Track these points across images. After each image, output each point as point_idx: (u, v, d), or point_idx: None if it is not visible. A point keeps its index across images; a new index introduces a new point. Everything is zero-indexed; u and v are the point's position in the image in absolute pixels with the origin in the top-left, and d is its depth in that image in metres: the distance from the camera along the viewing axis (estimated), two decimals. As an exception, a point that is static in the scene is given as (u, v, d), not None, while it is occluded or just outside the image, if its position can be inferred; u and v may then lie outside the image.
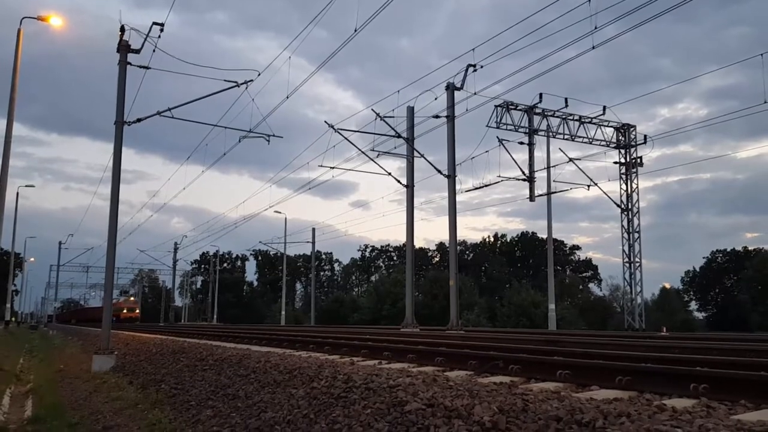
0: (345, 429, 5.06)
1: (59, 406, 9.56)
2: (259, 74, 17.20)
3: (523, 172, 28.66)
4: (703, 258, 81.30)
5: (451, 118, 24.46)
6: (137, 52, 15.61)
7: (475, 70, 22.55)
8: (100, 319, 15.98)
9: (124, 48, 15.59)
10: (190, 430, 6.77)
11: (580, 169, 29.80)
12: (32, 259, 78.04)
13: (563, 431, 3.78)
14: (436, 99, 23.98)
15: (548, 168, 29.66)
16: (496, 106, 28.37)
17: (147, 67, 15.87)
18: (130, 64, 15.65)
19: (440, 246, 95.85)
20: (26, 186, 60.16)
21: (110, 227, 15.37)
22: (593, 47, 17.33)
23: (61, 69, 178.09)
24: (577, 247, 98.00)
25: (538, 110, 29.89)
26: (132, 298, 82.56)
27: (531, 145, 29.42)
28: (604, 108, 30.84)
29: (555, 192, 30.04)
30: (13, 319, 68.46)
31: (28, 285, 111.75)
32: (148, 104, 17.75)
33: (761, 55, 20.45)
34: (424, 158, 25.69)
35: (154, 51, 15.39)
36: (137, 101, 16.77)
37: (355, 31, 16.92)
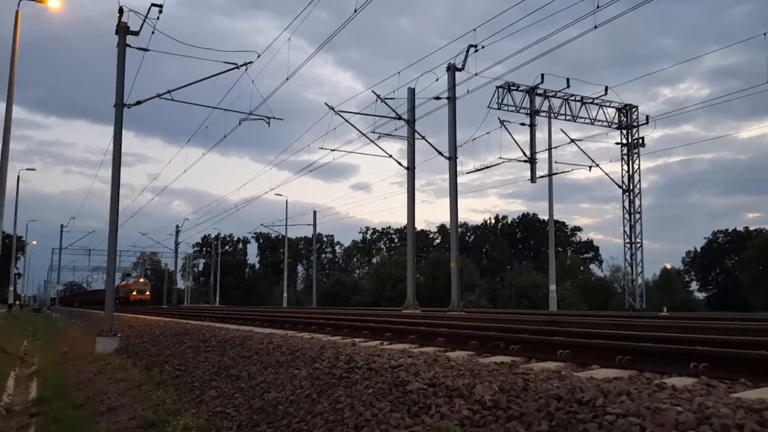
0: (347, 408, 5.11)
1: (64, 388, 9.65)
2: (258, 56, 17.10)
3: (525, 154, 28.58)
4: (704, 238, 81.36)
5: (452, 99, 24.34)
6: (136, 34, 15.51)
7: (476, 51, 22.39)
8: (104, 302, 16.01)
9: (122, 30, 15.49)
10: (194, 410, 6.83)
11: (581, 150, 29.78)
12: (34, 242, 78.27)
13: (563, 410, 3.81)
14: (437, 80, 23.86)
15: (549, 149, 29.60)
16: (497, 87, 28.20)
17: (146, 49, 15.78)
18: (129, 46, 15.56)
19: (441, 228, 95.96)
20: (27, 169, 60.12)
21: (111, 210, 15.39)
22: (595, 27, 17.21)
23: (59, 51, 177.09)
24: (578, 229, 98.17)
25: (539, 91, 29.71)
26: (142, 279, 75.75)
27: (532, 126, 29.29)
28: (606, 88, 30.68)
29: (556, 173, 30.02)
30: (17, 302, 68.77)
31: (31, 268, 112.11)
32: (148, 86, 17.68)
33: (764, 34, 20.28)
34: (425, 140, 25.63)
35: (153, 33, 15.30)
36: (136, 83, 16.69)
37: (355, 11, 16.78)
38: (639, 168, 33.75)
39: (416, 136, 25.99)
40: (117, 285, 72.51)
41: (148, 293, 70.40)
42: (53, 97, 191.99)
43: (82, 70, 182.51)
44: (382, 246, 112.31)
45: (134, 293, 67.44)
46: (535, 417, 3.87)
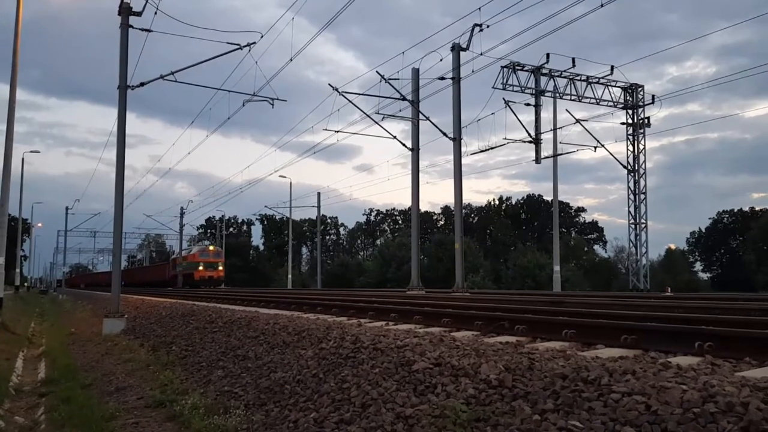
0: (354, 387, 5.15)
1: (72, 369, 9.74)
2: (261, 36, 17.00)
3: (530, 134, 28.42)
4: (709, 219, 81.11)
5: (456, 79, 24.18)
6: (139, 14, 15.42)
7: (481, 30, 22.18)
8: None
9: (125, 11, 15.41)
10: (202, 390, 6.90)
11: (586, 130, 29.54)
12: (40, 224, 78.44)
13: (569, 388, 3.83)
14: (441, 60, 23.69)
15: (555, 129, 29.43)
16: (502, 67, 27.96)
17: (149, 30, 15.70)
18: (131, 27, 15.48)
19: (445, 209, 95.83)
20: (31, 152, 60.19)
21: (117, 192, 15.43)
22: (602, 5, 17.01)
23: (59, 31, 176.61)
24: (582, 209, 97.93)
25: (544, 71, 29.48)
26: (212, 247, 52.01)
27: (538, 106, 29.11)
28: (612, 68, 30.43)
29: (561, 154, 29.90)
30: (24, 284, 69.08)
31: (36, 250, 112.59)
32: (149, 67, 17.70)
33: (773, 11, 19.97)
34: (430, 121, 25.51)
35: (155, 13, 15.21)
36: (137, 64, 16.64)
37: (359, -10, 16.60)
38: (644, 148, 33.60)
39: (420, 117, 25.88)
40: (173, 257, 58.92)
41: (221, 268, 49.33)
42: (53, 77, 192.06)
43: (81, 50, 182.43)
44: (386, 228, 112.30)
45: (201, 268, 47.56)
46: (541, 395, 3.90)
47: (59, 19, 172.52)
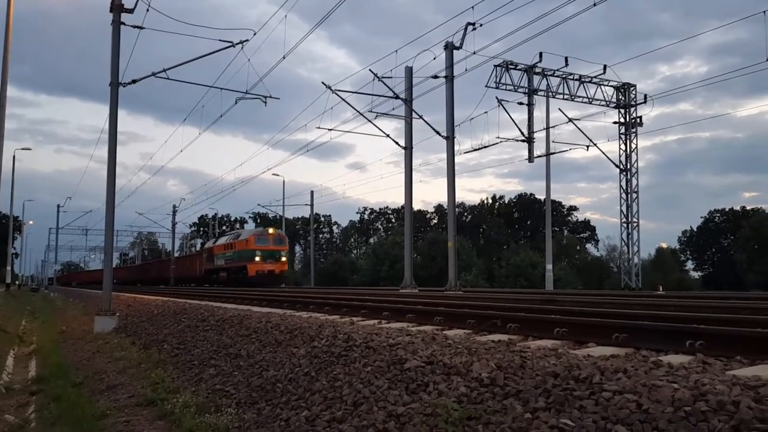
0: (346, 386, 5.15)
1: (63, 367, 9.69)
2: (254, 33, 16.95)
3: (522, 133, 28.47)
4: (701, 218, 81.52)
5: (449, 78, 24.16)
6: (130, 11, 15.33)
7: (474, 29, 22.17)
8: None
9: (117, 8, 15.32)
10: (193, 388, 6.87)
11: (579, 129, 29.63)
12: (31, 221, 77.92)
13: (560, 387, 3.84)
14: (434, 58, 23.66)
15: (547, 128, 29.51)
16: (495, 66, 28.03)
17: (141, 27, 15.61)
18: (123, 24, 15.39)
19: (438, 208, 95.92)
20: (22, 149, 60.02)
21: (108, 190, 15.35)
22: (594, 4, 17.03)
23: (49, 27, 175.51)
24: (574, 208, 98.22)
25: (537, 70, 29.54)
26: (272, 230, 40.51)
27: (530, 105, 29.17)
28: (605, 67, 30.52)
29: (554, 153, 29.95)
30: (17, 282, 68.62)
31: (28, 248, 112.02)
32: (141, 64, 17.58)
33: (765, 12, 20.03)
34: (423, 119, 25.50)
35: (147, 10, 15.13)
36: (129, 61, 16.56)
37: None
38: (636, 147, 33.73)
39: (413, 115, 25.86)
40: (209, 245, 47.16)
41: (284, 259, 39.10)
42: (43, 74, 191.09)
43: (72, 47, 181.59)
44: (380, 226, 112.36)
45: (257, 259, 37.00)
46: (532, 394, 3.90)
47: (49, 15, 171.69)
